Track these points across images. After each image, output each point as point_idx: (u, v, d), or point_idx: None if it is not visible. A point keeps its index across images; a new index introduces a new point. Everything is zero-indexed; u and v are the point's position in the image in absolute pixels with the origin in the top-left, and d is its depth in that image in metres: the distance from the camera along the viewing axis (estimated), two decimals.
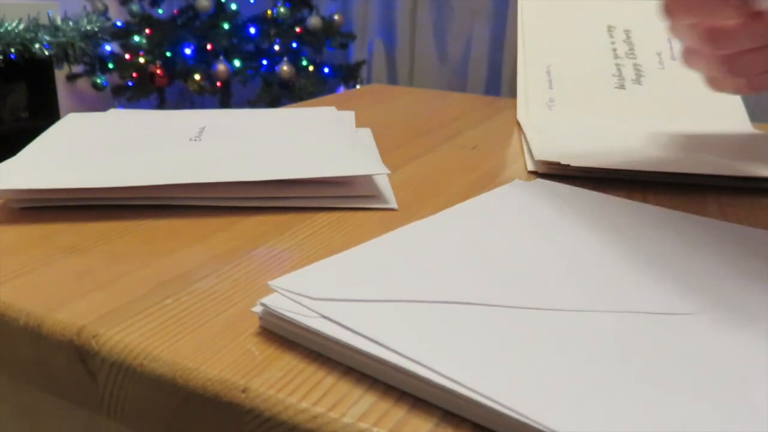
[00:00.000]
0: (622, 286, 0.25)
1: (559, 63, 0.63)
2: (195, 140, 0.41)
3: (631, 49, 0.63)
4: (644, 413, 0.18)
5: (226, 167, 0.36)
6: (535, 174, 0.44)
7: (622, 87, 0.60)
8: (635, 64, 0.62)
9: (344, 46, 2.62)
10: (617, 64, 0.63)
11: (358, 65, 2.62)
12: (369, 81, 2.74)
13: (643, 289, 0.25)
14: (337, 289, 0.24)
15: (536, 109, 0.59)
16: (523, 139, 0.53)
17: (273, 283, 0.24)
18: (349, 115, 0.50)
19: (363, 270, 0.26)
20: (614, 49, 0.64)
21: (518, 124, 0.59)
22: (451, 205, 0.37)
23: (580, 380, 0.19)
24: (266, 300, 0.23)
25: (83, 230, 0.32)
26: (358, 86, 2.55)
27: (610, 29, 0.64)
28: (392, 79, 2.73)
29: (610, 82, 0.61)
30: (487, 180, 0.42)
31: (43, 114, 2.13)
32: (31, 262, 0.29)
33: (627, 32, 0.64)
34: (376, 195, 0.37)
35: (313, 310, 0.22)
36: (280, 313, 0.22)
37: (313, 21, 2.44)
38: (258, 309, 0.23)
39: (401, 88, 0.80)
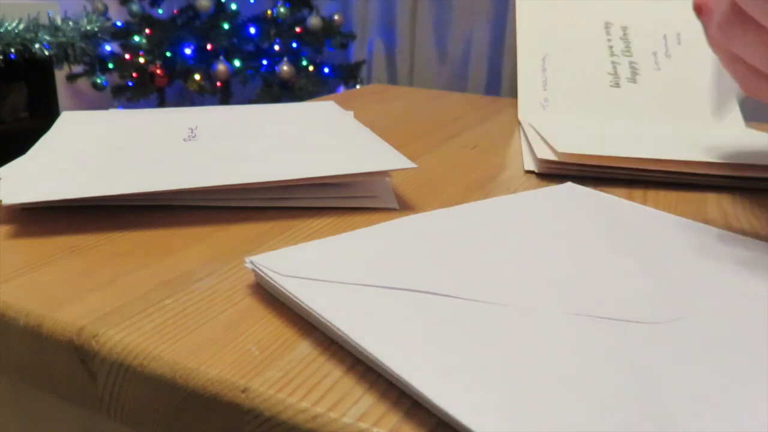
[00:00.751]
0: (597, 290, 0.25)
1: (554, 61, 0.62)
2: (189, 140, 0.41)
3: (628, 46, 0.63)
4: (578, 420, 0.18)
5: (232, 168, 0.36)
6: (533, 173, 0.44)
7: (617, 85, 0.60)
8: (631, 62, 0.62)
9: (344, 46, 2.62)
10: (613, 62, 0.62)
11: (358, 65, 2.62)
12: (369, 81, 2.74)
13: (617, 295, 0.25)
14: (305, 269, 0.26)
15: (531, 109, 0.59)
16: (523, 139, 0.53)
17: (252, 258, 0.26)
18: (348, 115, 0.50)
19: (339, 254, 0.27)
20: (610, 47, 0.64)
21: (519, 123, 0.59)
22: (451, 205, 0.37)
23: (509, 377, 0.19)
24: (255, 258, 0.26)
25: (83, 230, 0.32)
26: (358, 86, 2.55)
27: (607, 26, 0.64)
28: (392, 79, 2.73)
29: (605, 80, 0.61)
30: (487, 180, 0.42)
31: (43, 114, 2.13)
32: (31, 262, 0.29)
33: (624, 29, 0.64)
34: (376, 195, 0.37)
35: (280, 285, 0.25)
36: (262, 270, 0.26)
37: (313, 21, 2.44)
38: (249, 266, 0.26)
39: (401, 88, 0.80)
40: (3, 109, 2.07)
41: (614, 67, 0.62)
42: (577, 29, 0.64)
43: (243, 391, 0.20)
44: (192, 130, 0.43)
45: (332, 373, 0.21)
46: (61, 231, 0.32)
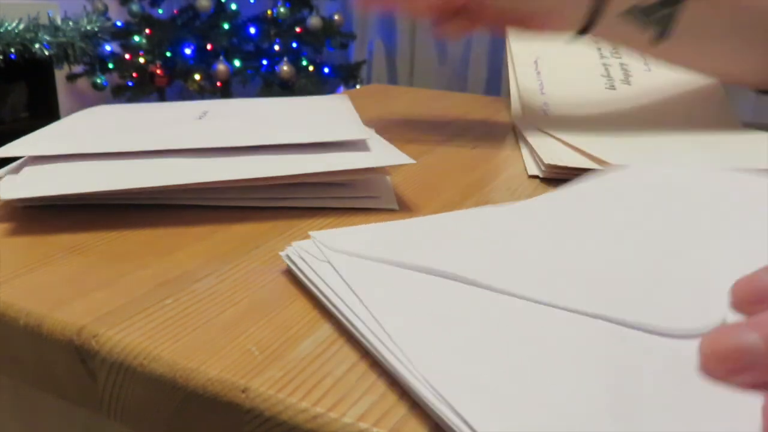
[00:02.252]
0: (630, 290, 0.24)
1: (548, 65, 0.62)
2: (200, 119, 0.41)
3: (615, 47, 0.62)
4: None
5: (231, 165, 0.35)
6: (537, 178, 0.44)
7: (612, 88, 0.59)
8: (621, 64, 0.62)
9: (344, 46, 2.62)
10: (604, 64, 0.62)
11: (358, 65, 2.62)
12: (369, 81, 2.74)
13: (653, 298, 0.24)
14: (353, 245, 0.27)
15: (531, 113, 0.58)
16: (521, 143, 0.52)
17: (312, 233, 0.28)
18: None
19: (392, 236, 0.29)
20: (599, 48, 0.63)
21: (515, 127, 0.58)
22: (451, 206, 0.37)
23: (532, 383, 0.19)
24: (297, 243, 0.28)
25: (83, 230, 0.32)
26: (358, 86, 2.55)
27: None
28: (392, 79, 2.73)
29: (600, 82, 0.60)
30: (488, 180, 0.42)
31: (43, 114, 2.14)
32: (31, 262, 0.29)
33: None
34: (377, 195, 0.37)
35: (325, 256, 0.26)
36: (299, 252, 0.27)
37: (313, 21, 2.44)
38: (284, 253, 0.28)
39: (401, 88, 0.80)
40: (3, 109, 2.07)
41: (606, 70, 0.61)
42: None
43: (243, 391, 0.20)
44: (201, 113, 0.43)
45: (332, 373, 0.21)
46: (61, 231, 0.32)
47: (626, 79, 0.60)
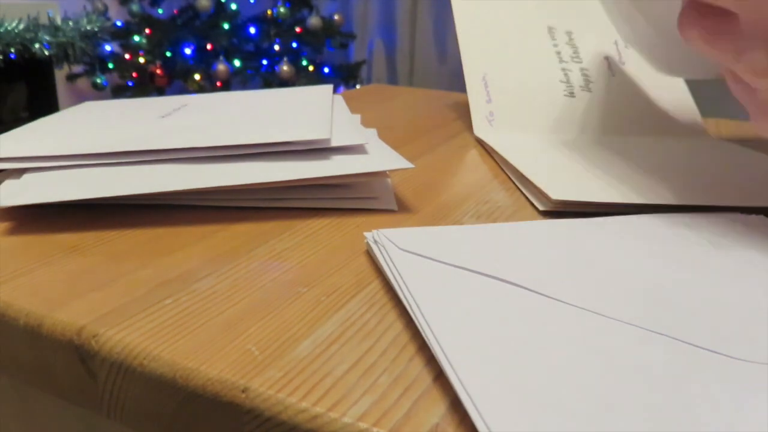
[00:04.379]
0: (692, 313, 0.23)
1: (496, 71, 0.56)
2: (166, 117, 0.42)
3: (576, 52, 0.58)
4: None
5: (232, 169, 0.35)
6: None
7: (571, 95, 0.55)
8: (582, 69, 0.57)
9: (344, 46, 2.62)
10: (563, 69, 0.57)
11: (358, 65, 2.62)
12: (369, 81, 2.74)
13: (717, 323, 0.23)
14: (420, 246, 0.28)
15: (479, 125, 0.53)
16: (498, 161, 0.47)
17: (377, 231, 0.30)
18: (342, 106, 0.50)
19: (460, 242, 0.29)
20: (558, 53, 0.58)
21: (478, 142, 0.53)
22: (451, 206, 0.37)
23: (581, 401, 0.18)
24: (379, 231, 0.29)
25: (83, 230, 0.32)
26: (358, 86, 2.55)
27: (550, 30, 0.59)
28: (392, 79, 2.73)
29: (559, 89, 0.55)
30: (487, 180, 0.42)
31: (43, 114, 2.13)
32: (31, 262, 0.29)
33: (569, 34, 0.59)
34: (376, 196, 0.37)
35: (391, 256, 0.27)
36: (377, 240, 0.29)
37: (313, 21, 2.44)
38: (368, 234, 0.30)
39: (401, 88, 0.80)
40: (3, 109, 2.07)
41: (566, 75, 0.56)
42: (519, 34, 0.58)
43: (243, 391, 0.20)
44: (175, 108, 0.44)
45: (332, 373, 0.21)
46: (61, 231, 0.32)
47: (587, 86, 0.56)
